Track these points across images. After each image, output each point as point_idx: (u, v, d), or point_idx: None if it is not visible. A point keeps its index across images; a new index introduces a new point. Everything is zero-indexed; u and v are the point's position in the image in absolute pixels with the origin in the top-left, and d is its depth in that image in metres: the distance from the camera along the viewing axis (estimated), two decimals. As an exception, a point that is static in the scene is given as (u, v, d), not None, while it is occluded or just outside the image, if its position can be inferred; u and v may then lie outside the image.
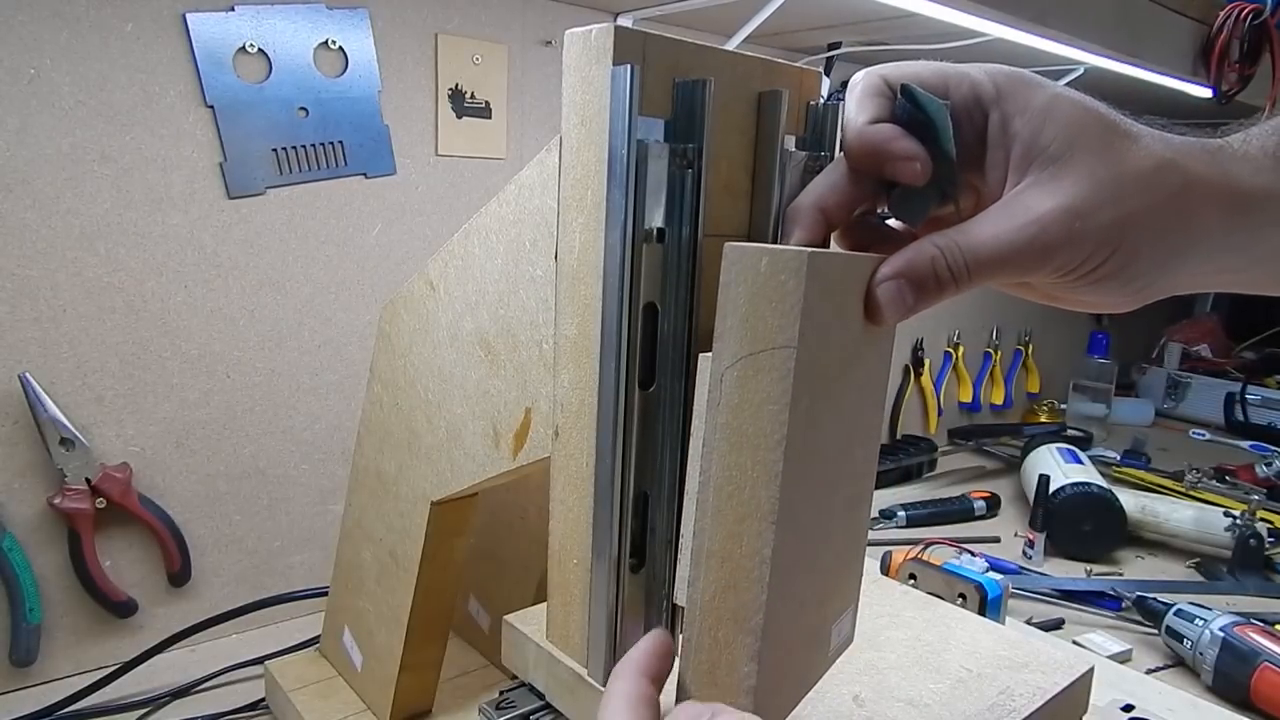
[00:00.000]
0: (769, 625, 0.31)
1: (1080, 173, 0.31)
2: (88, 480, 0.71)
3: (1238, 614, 0.83)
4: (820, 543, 0.34)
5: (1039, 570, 1.07)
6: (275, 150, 0.78)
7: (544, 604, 0.41)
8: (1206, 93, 1.20)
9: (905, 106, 0.33)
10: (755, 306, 0.29)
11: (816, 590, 0.35)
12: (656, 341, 0.35)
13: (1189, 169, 0.32)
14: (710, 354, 0.31)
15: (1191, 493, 1.28)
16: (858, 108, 0.34)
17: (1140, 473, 1.38)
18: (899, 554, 0.89)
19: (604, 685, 0.38)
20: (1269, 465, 1.41)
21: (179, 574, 0.77)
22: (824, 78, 1.16)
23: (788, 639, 0.33)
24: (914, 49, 1.12)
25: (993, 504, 1.25)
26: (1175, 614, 0.85)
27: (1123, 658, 0.86)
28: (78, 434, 0.70)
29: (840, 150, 0.35)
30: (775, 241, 0.37)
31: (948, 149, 0.33)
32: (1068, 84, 0.34)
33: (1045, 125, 0.32)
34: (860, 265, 0.32)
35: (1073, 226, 0.30)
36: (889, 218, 0.38)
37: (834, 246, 0.37)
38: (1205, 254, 0.33)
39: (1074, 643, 0.87)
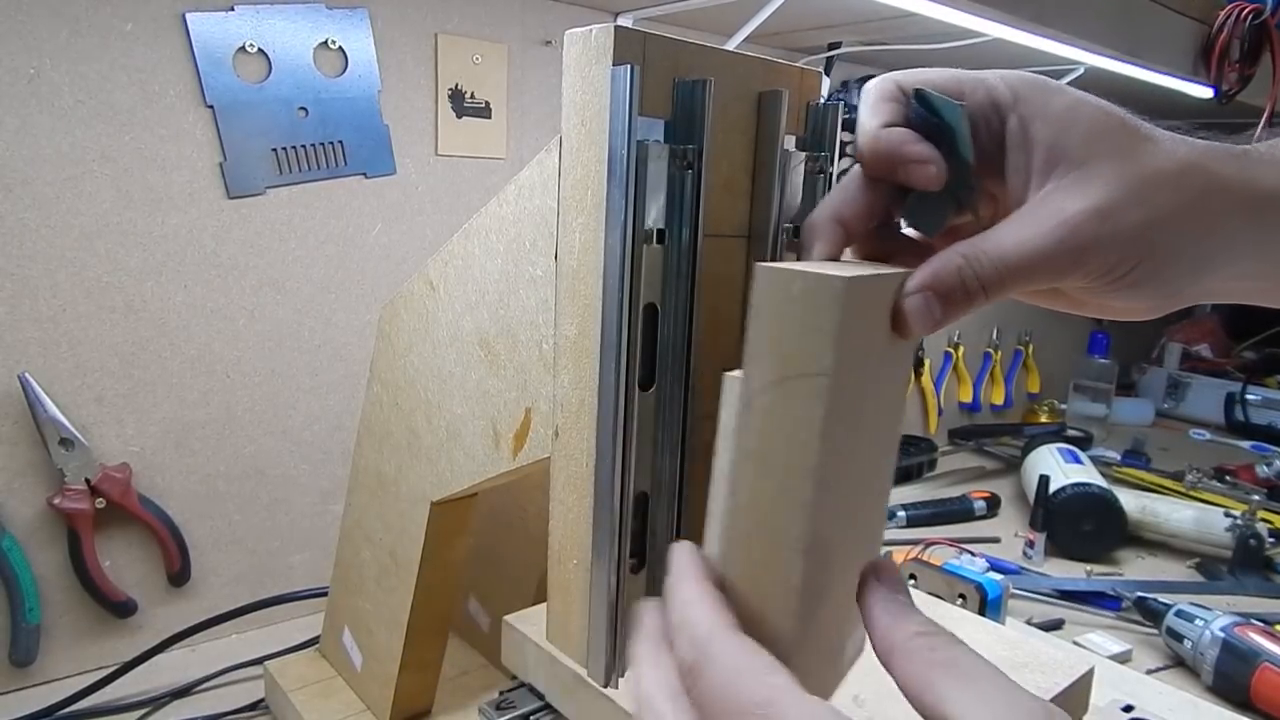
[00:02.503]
0: (795, 656, 0.30)
1: (1106, 175, 0.30)
2: (87, 480, 0.71)
3: (1238, 614, 0.83)
4: (845, 567, 0.33)
5: (1039, 570, 1.06)
6: (275, 150, 0.78)
7: (544, 604, 0.41)
8: (1207, 92, 1.20)
9: (919, 111, 0.32)
10: (787, 331, 0.28)
11: (838, 612, 0.34)
12: (656, 342, 0.35)
13: (1212, 171, 0.31)
14: (735, 373, 0.29)
15: (1192, 493, 1.28)
16: (871, 113, 0.33)
17: (1140, 473, 1.38)
18: (899, 554, 0.89)
19: (604, 685, 0.38)
20: (1269, 465, 1.41)
21: (179, 574, 0.77)
22: (824, 78, 1.16)
23: (812, 665, 0.33)
24: (914, 49, 1.12)
25: (993, 504, 1.25)
26: (1175, 614, 0.85)
27: (1123, 658, 0.86)
28: (77, 434, 0.70)
29: (855, 160, 0.35)
30: (778, 246, 0.37)
31: (964, 153, 0.32)
32: (1068, 84, 0.34)
33: (1068, 130, 0.31)
34: (888, 281, 0.31)
35: (1102, 228, 0.30)
36: (907, 227, 0.37)
37: (848, 256, 0.37)
38: (1232, 258, 0.32)
39: (1074, 643, 0.87)
